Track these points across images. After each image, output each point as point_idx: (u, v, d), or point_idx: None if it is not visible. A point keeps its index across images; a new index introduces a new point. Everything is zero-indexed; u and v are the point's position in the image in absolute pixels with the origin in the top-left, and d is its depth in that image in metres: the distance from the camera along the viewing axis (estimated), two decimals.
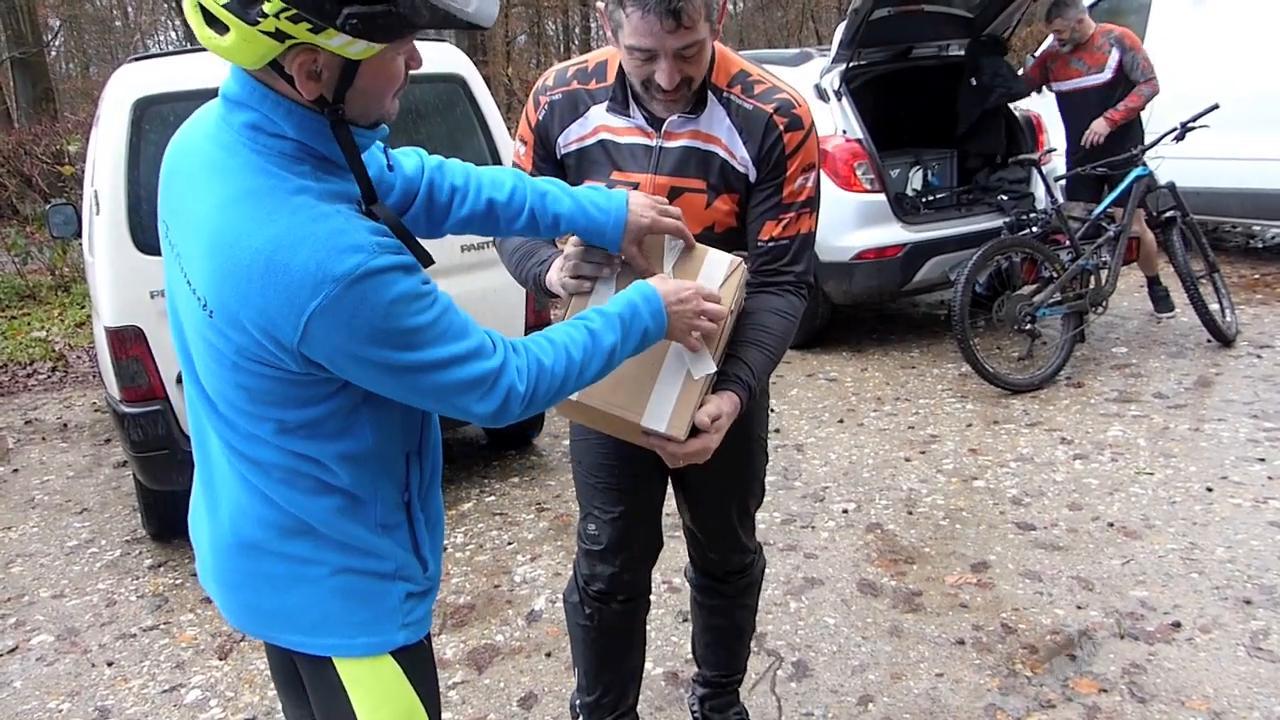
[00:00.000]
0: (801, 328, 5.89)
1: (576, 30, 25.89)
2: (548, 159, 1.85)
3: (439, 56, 4.07)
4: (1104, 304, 5.14)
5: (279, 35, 1.10)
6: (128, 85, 3.57)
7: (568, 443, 2.20)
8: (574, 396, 1.59)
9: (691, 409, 1.62)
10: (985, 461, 4.11)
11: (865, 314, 6.55)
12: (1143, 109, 5.52)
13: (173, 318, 1.36)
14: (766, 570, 3.12)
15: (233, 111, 1.21)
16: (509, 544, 3.70)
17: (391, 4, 1.10)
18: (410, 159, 1.55)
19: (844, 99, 5.48)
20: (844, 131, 5.44)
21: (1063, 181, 5.55)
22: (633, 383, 1.64)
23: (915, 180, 6.07)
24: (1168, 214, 5.28)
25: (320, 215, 1.15)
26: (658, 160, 1.77)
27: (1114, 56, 5.44)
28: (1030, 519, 3.57)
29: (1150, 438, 4.22)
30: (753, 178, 1.76)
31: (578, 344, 1.37)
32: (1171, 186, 5.30)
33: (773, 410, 4.88)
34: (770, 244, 1.77)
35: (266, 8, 1.07)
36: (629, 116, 1.77)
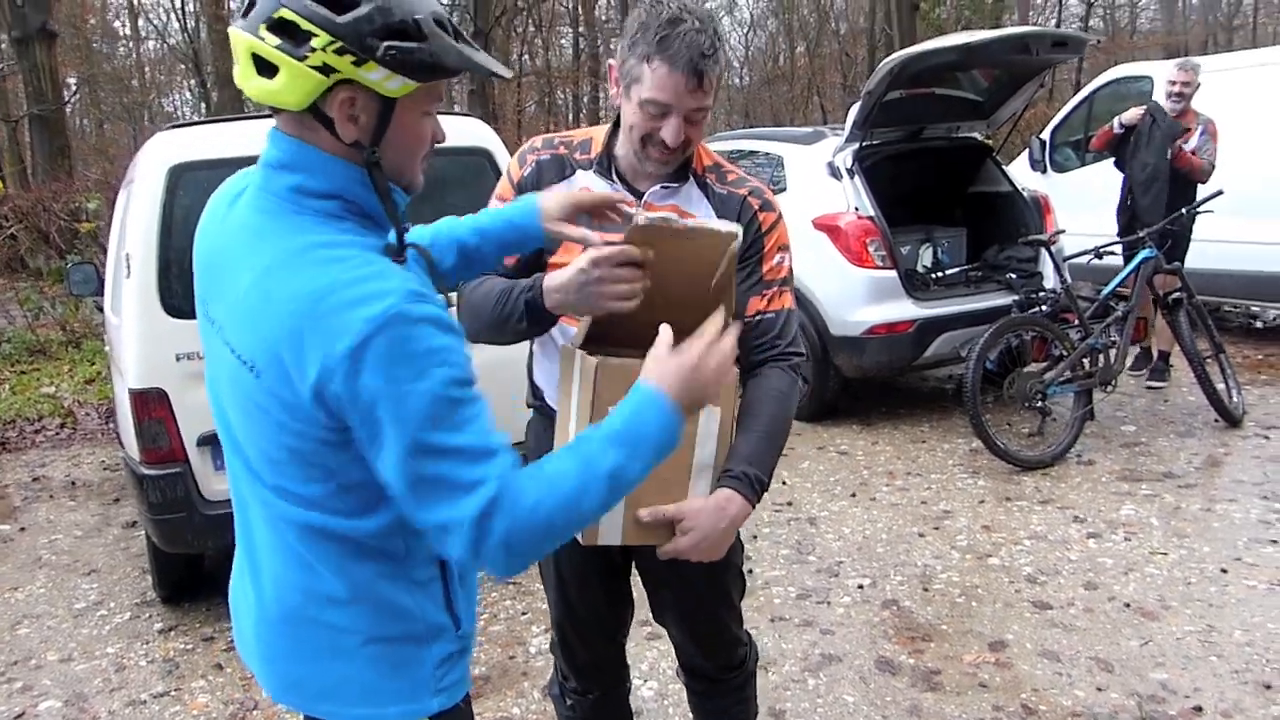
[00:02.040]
0: (813, 400, 5.94)
1: (585, 100, 26.46)
2: None
3: (467, 129, 4.18)
4: (1113, 382, 5.19)
5: (325, 70, 1.16)
6: (163, 152, 3.65)
7: None
8: None
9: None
10: (999, 539, 4.11)
11: (874, 388, 6.60)
12: (1196, 175, 5.77)
13: (213, 397, 1.38)
14: (784, 645, 3.10)
15: (275, 177, 1.25)
16: (523, 614, 3.68)
17: (425, 42, 1.18)
18: None
19: (857, 177, 5.61)
20: (856, 209, 5.55)
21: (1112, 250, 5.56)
22: None
23: (925, 257, 6.17)
24: (1174, 295, 5.36)
25: (363, 262, 1.20)
26: None
27: (1197, 134, 5.75)
28: (1046, 598, 3.56)
29: (1163, 517, 4.23)
30: None
31: (568, 475, 1.25)
32: (1178, 268, 5.40)
33: (784, 483, 4.91)
34: (758, 318, 1.81)
35: (315, 43, 1.15)
36: (612, 183, 1.80)
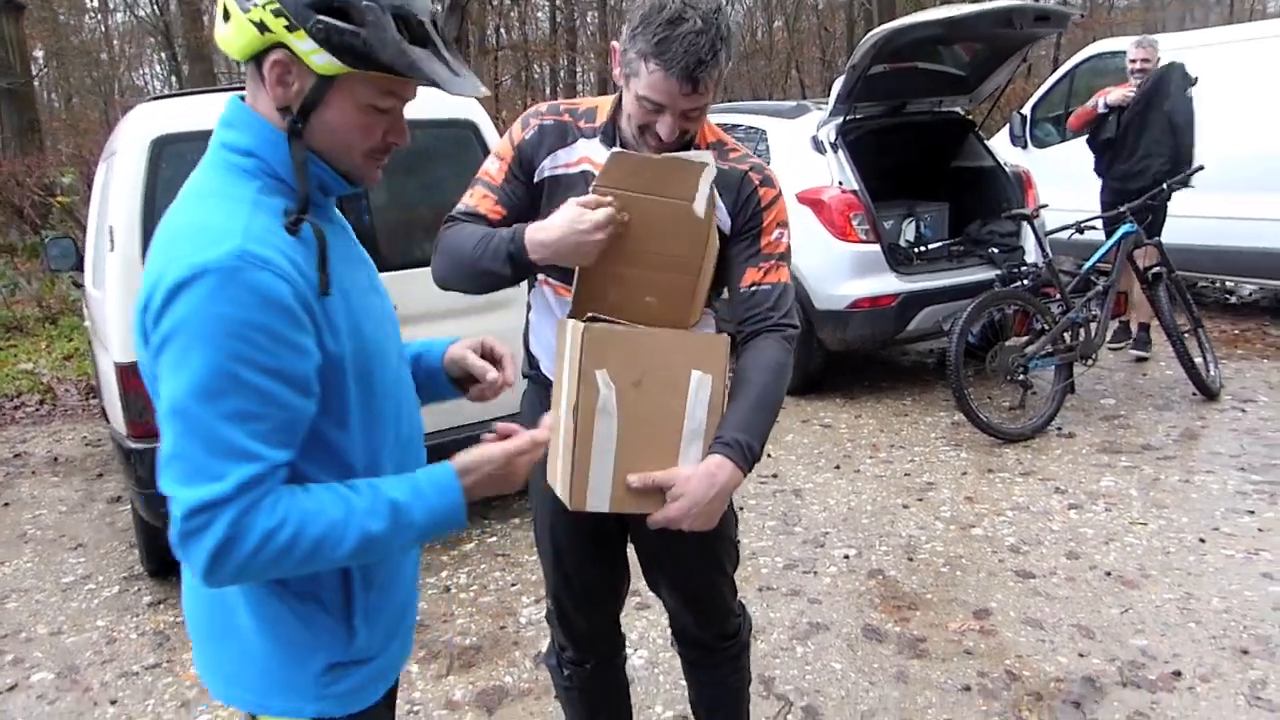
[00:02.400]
0: (797, 374, 5.98)
1: (563, 74, 26.26)
2: (521, 177, 1.84)
3: (451, 102, 4.15)
4: (1094, 356, 5.26)
5: (261, 26, 1.17)
6: (145, 124, 3.61)
7: None
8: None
9: (586, 476, 1.60)
10: (982, 509, 4.17)
11: (857, 361, 6.64)
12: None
13: None
14: (771, 614, 3.14)
15: (216, 133, 1.29)
16: (513, 585, 3.70)
17: (361, 28, 1.17)
18: None
19: (840, 151, 5.62)
20: (840, 183, 5.56)
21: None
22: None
23: (909, 232, 6.20)
24: (1154, 270, 5.43)
25: (229, 213, 1.18)
26: None
27: None
28: (1029, 567, 3.63)
29: (1142, 488, 4.30)
30: (727, 228, 1.81)
31: (318, 520, 1.17)
32: (1158, 243, 5.46)
33: (769, 455, 4.94)
34: (753, 289, 1.80)
35: None
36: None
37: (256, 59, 1.22)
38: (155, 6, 22.72)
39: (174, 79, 22.42)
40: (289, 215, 1.22)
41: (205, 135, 3.58)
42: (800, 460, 4.92)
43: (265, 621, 1.30)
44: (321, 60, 1.18)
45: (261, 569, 1.15)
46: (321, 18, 1.16)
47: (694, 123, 1.70)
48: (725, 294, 1.91)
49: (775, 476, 4.70)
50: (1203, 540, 3.77)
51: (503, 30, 26.59)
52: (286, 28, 1.17)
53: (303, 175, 1.24)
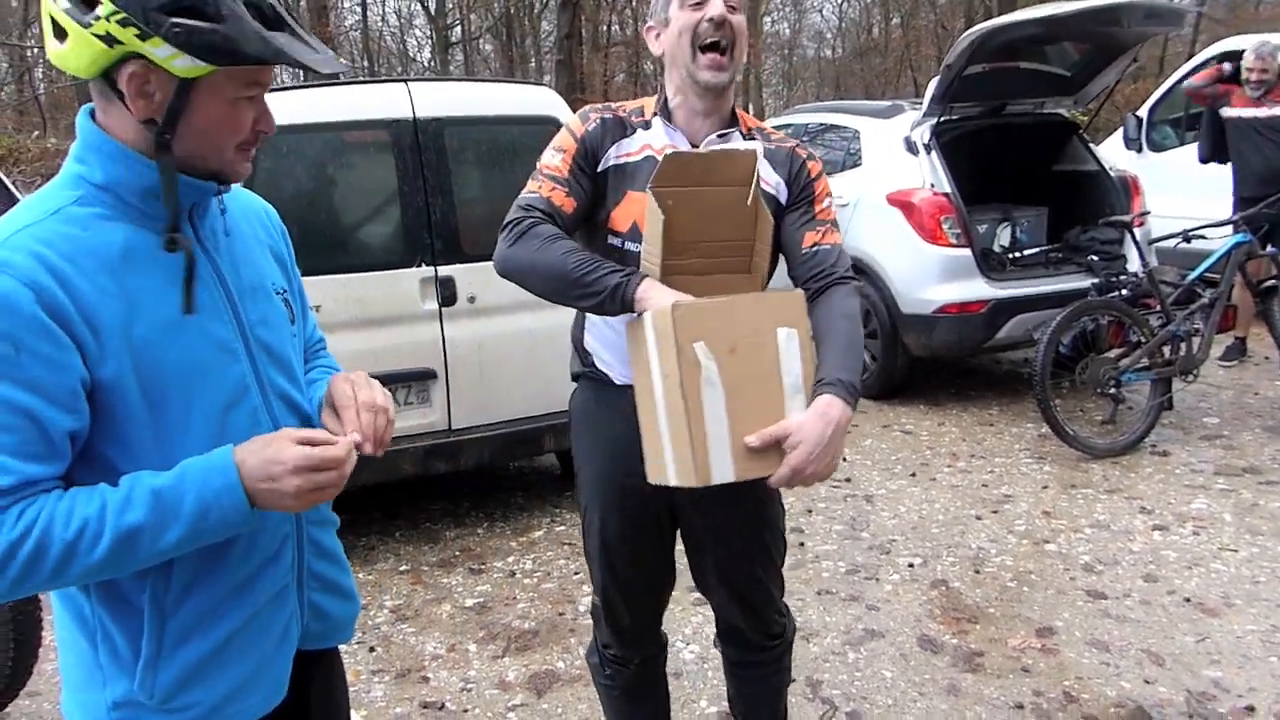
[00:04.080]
0: (879, 379, 5.91)
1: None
2: (586, 169, 1.89)
3: (536, 98, 4.24)
4: (1195, 372, 5.00)
5: (109, 40, 1.11)
6: None
7: None
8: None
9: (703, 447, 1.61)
10: (1059, 525, 4.04)
11: (945, 368, 6.49)
12: None
13: None
14: (828, 618, 3.13)
15: (69, 164, 1.23)
16: (575, 574, 3.77)
17: (220, 24, 1.12)
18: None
19: (934, 152, 5.50)
20: (931, 185, 5.45)
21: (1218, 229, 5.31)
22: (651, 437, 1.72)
23: (1004, 236, 6.02)
24: (1269, 283, 5.13)
25: (11, 219, 1.16)
26: None
27: None
28: (1102, 587, 3.49)
29: (1237, 513, 4.08)
30: (783, 198, 1.92)
31: (74, 520, 1.11)
32: (1274, 255, 5.16)
33: (845, 459, 4.89)
34: (815, 249, 1.89)
35: (100, 10, 1.11)
36: (671, 131, 1.91)
37: (106, 74, 1.15)
38: (284, 1, 23.71)
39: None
40: (164, 235, 1.20)
41: (301, 129, 3.74)
42: (876, 465, 4.85)
43: (66, 640, 1.28)
44: (183, 64, 1.13)
45: (19, 582, 1.10)
46: (177, 20, 1.10)
47: (736, 13, 1.83)
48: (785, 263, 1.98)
49: (848, 481, 4.64)
50: None
51: (616, 26, 26.82)
52: (139, 36, 1.11)
53: (173, 190, 1.19)
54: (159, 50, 1.12)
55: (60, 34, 1.14)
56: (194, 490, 1.15)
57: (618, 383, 1.95)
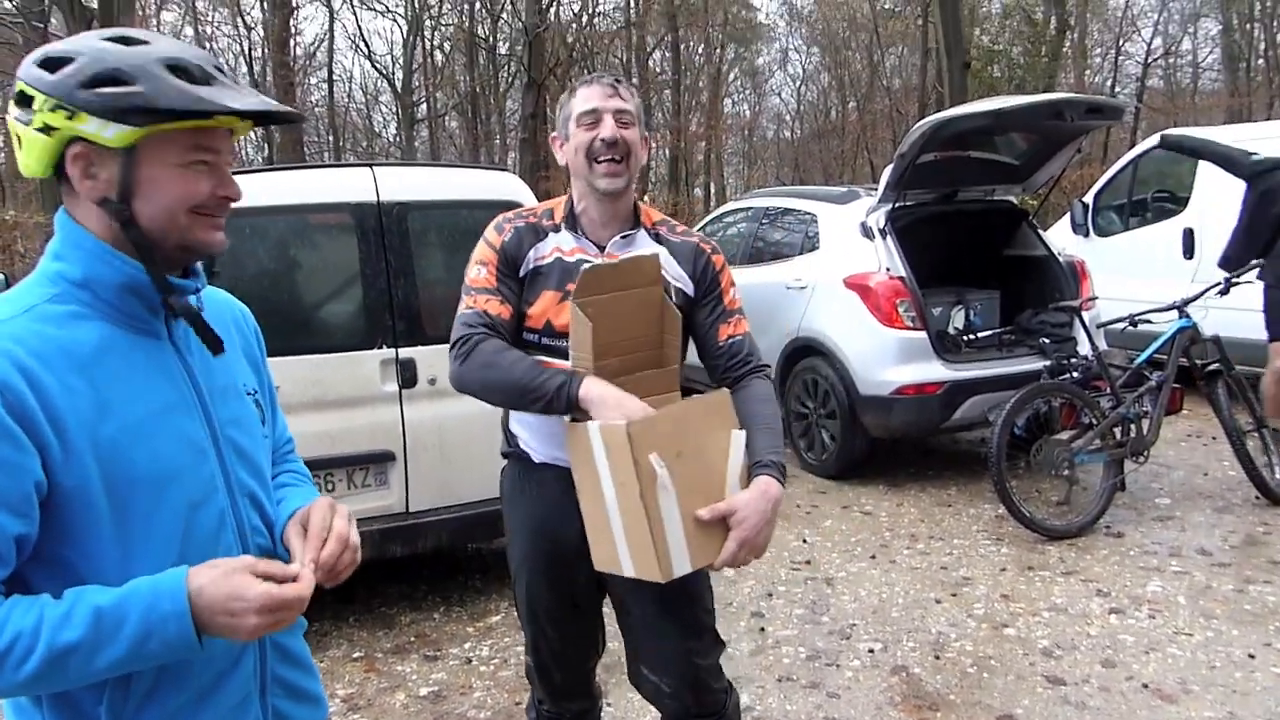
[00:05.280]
0: (839, 459, 5.93)
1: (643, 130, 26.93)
2: (510, 275, 2.03)
3: (498, 183, 4.31)
4: (1145, 453, 5.10)
5: (46, 129, 1.15)
6: None
7: None
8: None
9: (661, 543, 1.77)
10: (1017, 609, 4.05)
11: (904, 448, 6.55)
12: None
13: None
14: (788, 706, 3.09)
15: (45, 262, 1.24)
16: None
17: (134, 84, 1.14)
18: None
19: (889, 237, 5.64)
20: (887, 269, 5.57)
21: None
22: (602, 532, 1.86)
23: (958, 319, 6.15)
24: (1212, 367, 5.28)
25: (7, 308, 1.17)
26: None
27: None
28: (1061, 673, 3.50)
29: (1191, 596, 4.13)
30: (691, 291, 2.09)
31: (7, 631, 1.08)
32: (1216, 339, 5.31)
33: (804, 541, 4.89)
34: (729, 341, 2.09)
35: (35, 104, 1.15)
36: (578, 238, 2.06)
37: (59, 168, 1.18)
38: (252, 77, 23.99)
39: (266, 145, 23.54)
40: (162, 310, 1.24)
41: (265, 211, 3.77)
42: (836, 548, 4.85)
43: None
44: (112, 132, 1.15)
45: None
46: (97, 90, 1.14)
47: (628, 130, 2.00)
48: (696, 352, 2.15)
49: (808, 563, 4.63)
50: (1252, 656, 3.59)
51: None
52: (68, 117, 1.14)
53: (153, 262, 1.21)
54: (88, 125, 1.15)
55: (19, 142, 1.18)
56: (138, 612, 1.11)
57: (537, 461, 2.12)
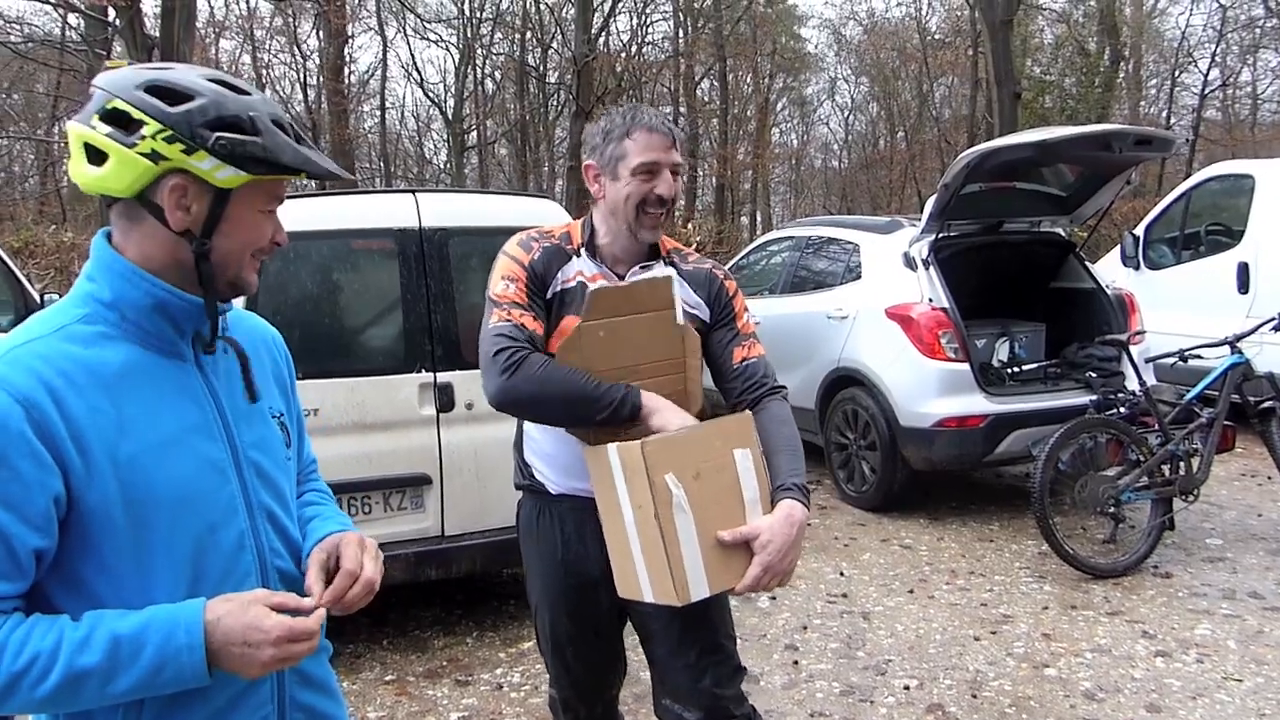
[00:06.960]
0: (879, 491, 5.86)
1: (684, 178, 27.06)
2: (539, 294, 2.00)
3: (538, 210, 4.34)
4: (1195, 492, 4.96)
5: (154, 156, 1.18)
6: None
7: None
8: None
9: (678, 566, 1.75)
10: (1059, 649, 3.95)
11: (946, 481, 6.45)
12: None
13: None
14: None
15: (80, 283, 1.27)
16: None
17: (259, 137, 1.22)
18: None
19: (932, 268, 5.59)
20: (930, 300, 5.52)
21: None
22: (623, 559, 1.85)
23: (1002, 351, 6.06)
24: (1266, 404, 5.13)
25: (17, 334, 1.19)
26: None
27: None
28: (1103, 716, 3.40)
29: (1242, 640, 3.99)
30: (706, 316, 2.09)
31: (27, 651, 1.10)
32: (1270, 376, 5.17)
33: (841, 574, 4.83)
34: (745, 364, 2.08)
35: (145, 130, 1.18)
36: (599, 265, 2.05)
37: (142, 192, 1.22)
38: (307, 104, 24.56)
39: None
40: (200, 341, 1.29)
41: (309, 236, 3.83)
42: (874, 581, 4.78)
43: None
44: (225, 175, 1.21)
45: None
46: (223, 134, 1.20)
47: (677, 184, 2.01)
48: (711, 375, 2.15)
49: (845, 596, 4.57)
50: None
51: None
52: (184, 151, 1.19)
53: (211, 296, 1.27)
54: (203, 163, 1.20)
55: (98, 158, 1.20)
56: (155, 643, 1.14)
57: (554, 492, 2.11)
